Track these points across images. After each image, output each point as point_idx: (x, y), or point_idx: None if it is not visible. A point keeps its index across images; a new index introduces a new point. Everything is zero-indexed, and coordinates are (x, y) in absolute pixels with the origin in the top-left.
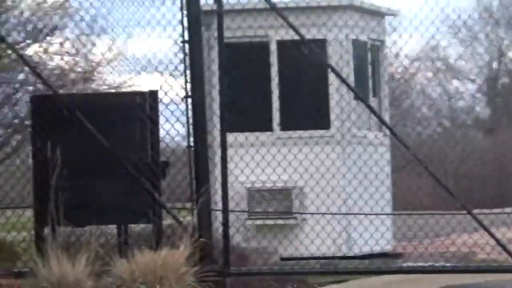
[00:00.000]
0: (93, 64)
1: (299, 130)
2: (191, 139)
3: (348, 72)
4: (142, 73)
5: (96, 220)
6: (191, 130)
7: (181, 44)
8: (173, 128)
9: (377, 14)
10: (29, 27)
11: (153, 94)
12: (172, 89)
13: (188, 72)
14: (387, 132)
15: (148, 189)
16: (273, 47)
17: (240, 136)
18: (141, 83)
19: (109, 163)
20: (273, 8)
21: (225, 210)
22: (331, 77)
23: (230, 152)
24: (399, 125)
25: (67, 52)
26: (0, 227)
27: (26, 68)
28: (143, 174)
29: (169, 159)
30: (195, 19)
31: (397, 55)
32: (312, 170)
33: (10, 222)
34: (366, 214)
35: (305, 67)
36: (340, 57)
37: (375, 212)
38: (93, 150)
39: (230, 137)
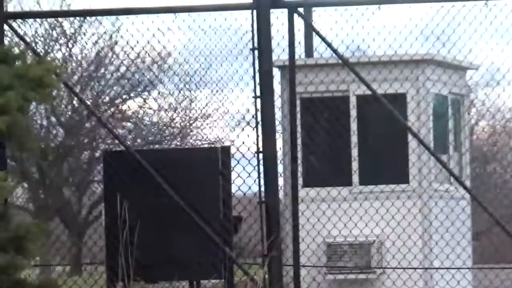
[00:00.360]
0: (191, 119)
1: (378, 184)
2: (263, 194)
3: (428, 127)
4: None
5: (168, 276)
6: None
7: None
8: (244, 183)
9: (458, 68)
10: (127, 82)
11: (225, 149)
12: (244, 144)
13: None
14: (467, 185)
15: (219, 244)
16: (353, 101)
17: (320, 191)
18: (238, 138)
19: (181, 219)
20: (345, 64)
21: (296, 265)
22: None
23: (311, 206)
24: (500, 179)
25: (168, 106)
26: (72, 283)
27: (127, 124)
28: (215, 230)
29: (241, 214)
30: (266, 74)
31: (498, 109)
32: (391, 224)
33: (82, 279)
34: (446, 268)
35: (384, 121)
36: (420, 112)
37: (456, 266)
38: (165, 205)
39: (310, 191)
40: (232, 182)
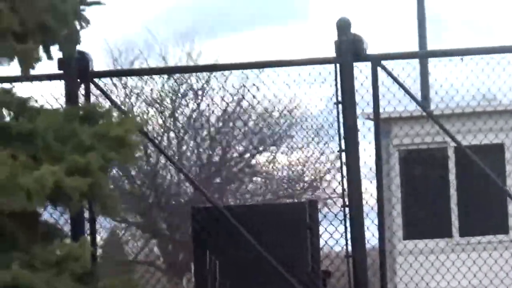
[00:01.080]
0: (320, 172)
1: (478, 235)
2: (350, 247)
3: None
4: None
5: None
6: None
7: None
8: (332, 237)
9: None
10: (256, 136)
11: (313, 203)
12: (331, 198)
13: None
14: None
15: None
16: (451, 153)
17: (420, 243)
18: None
19: (270, 274)
20: (429, 116)
21: None
22: (509, 182)
23: (411, 259)
24: None
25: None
26: None
27: (257, 179)
28: (304, 284)
29: (329, 268)
30: (350, 128)
31: None
32: (492, 275)
33: None
34: None
35: (482, 171)
36: None
37: None
38: (254, 260)
39: (412, 244)
40: (320, 236)
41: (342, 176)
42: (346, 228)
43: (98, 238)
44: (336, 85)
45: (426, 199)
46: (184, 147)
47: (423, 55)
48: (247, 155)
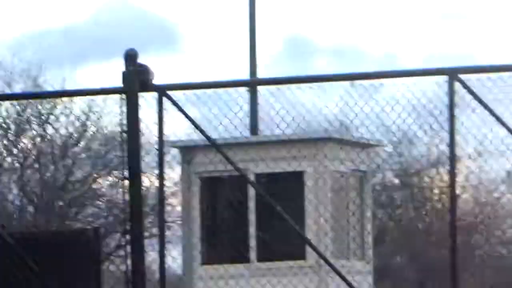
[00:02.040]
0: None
1: (275, 261)
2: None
3: (326, 203)
4: None
5: None
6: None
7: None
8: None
9: (360, 145)
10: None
11: (96, 231)
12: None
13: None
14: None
15: None
16: (251, 179)
17: (219, 268)
18: None
19: None
20: (213, 144)
21: None
22: (308, 208)
23: (210, 284)
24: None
25: None
26: None
27: (98, 202)
28: None
29: None
30: (132, 156)
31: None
32: None
33: None
34: None
35: (281, 198)
36: (318, 188)
37: None
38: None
39: (211, 269)
40: (102, 261)
41: (124, 203)
42: (126, 254)
43: None
44: (121, 114)
45: (226, 225)
46: (29, 171)
47: (209, 85)
48: (90, 178)
